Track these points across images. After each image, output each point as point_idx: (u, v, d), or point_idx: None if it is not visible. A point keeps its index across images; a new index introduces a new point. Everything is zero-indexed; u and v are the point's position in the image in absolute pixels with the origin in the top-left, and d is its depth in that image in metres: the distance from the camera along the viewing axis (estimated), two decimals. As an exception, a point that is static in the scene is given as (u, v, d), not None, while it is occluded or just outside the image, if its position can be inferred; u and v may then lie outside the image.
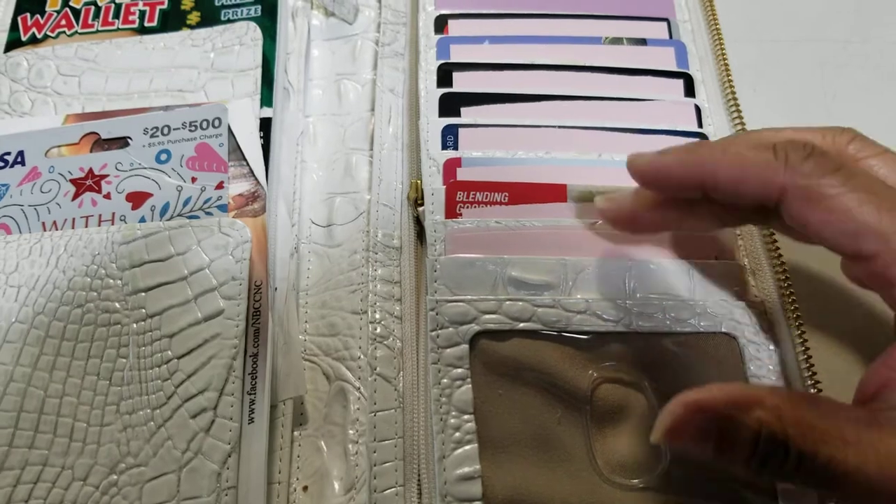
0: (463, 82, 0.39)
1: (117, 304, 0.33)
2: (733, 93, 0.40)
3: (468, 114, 0.38)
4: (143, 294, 0.33)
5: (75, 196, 0.36)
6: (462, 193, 0.35)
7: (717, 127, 0.39)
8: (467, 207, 0.35)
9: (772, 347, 0.34)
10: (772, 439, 0.23)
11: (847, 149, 0.29)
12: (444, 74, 0.40)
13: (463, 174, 0.36)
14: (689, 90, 0.40)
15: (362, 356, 0.35)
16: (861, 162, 0.28)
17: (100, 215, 0.36)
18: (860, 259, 0.26)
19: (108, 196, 0.36)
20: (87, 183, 0.37)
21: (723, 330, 0.33)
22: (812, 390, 0.32)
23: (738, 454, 0.23)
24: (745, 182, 0.27)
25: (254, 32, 0.41)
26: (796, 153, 0.26)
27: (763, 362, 0.33)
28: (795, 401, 0.23)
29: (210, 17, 0.42)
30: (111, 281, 0.34)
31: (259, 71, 0.40)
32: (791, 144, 0.27)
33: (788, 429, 0.23)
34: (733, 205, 0.29)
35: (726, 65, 0.40)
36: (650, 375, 0.32)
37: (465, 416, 0.31)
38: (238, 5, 0.42)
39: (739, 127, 0.39)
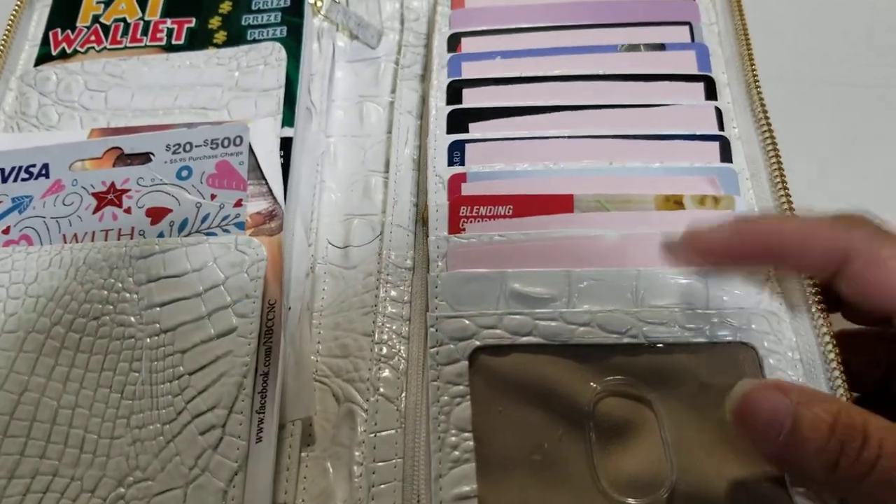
0: (473, 98, 0.39)
1: (132, 318, 0.34)
2: (760, 95, 0.38)
3: (476, 129, 0.38)
4: (158, 309, 0.34)
5: (96, 209, 0.37)
6: (466, 208, 0.35)
7: (743, 129, 0.38)
8: (471, 222, 0.35)
9: (795, 356, 0.32)
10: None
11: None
12: (454, 92, 0.39)
13: (468, 189, 0.36)
14: (711, 93, 0.39)
15: (369, 377, 0.35)
16: None
17: (119, 229, 0.36)
18: None
19: (128, 210, 0.37)
20: (109, 197, 0.37)
21: (739, 339, 0.32)
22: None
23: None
24: (810, 248, 0.30)
25: (278, 53, 0.41)
26: (857, 222, 0.29)
27: (785, 374, 0.31)
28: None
29: (236, 37, 0.43)
30: (127, 295, 0.34)
31: (282, 91, 0.40)
32: (850, 215, 0.30)
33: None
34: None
35: (753, 66, 0.39)
36: (660, 389, 0.31)
37: (464, 434, 0.31)
38: (264, 26, 0.43)
39: (766, 130, 0.37)
